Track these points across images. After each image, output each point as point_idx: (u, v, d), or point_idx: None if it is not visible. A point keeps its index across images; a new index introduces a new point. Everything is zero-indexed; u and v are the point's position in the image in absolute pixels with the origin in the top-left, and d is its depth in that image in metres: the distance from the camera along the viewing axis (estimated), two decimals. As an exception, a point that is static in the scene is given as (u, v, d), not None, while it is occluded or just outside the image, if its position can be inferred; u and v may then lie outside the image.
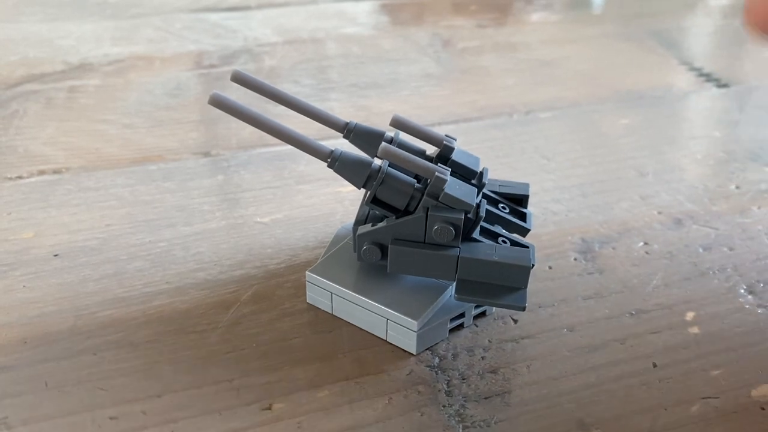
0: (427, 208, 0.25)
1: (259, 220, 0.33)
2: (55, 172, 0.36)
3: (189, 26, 0.54)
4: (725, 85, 0.47)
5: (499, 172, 0.36)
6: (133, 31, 0.53)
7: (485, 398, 0.24)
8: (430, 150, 0.29)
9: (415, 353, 0.26)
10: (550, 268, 0.30)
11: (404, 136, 0.28)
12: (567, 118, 0.43)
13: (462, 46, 0.52)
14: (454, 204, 0.25)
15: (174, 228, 0.32)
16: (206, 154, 0.38)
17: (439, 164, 0.27)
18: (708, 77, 0.48)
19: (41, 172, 0.36)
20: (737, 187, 0.36)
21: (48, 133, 0.39)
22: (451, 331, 0.27)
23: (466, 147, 0.29)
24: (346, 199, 0.34)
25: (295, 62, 0.49)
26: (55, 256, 0.30)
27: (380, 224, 0.26)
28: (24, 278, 0.29)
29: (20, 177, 0.36)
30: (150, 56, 0.49)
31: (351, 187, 0.34)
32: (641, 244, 0.32)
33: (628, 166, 0.38)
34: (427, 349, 0.26)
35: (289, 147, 0.26)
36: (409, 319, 0.25)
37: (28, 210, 0.33)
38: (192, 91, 0.44)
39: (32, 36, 0.51)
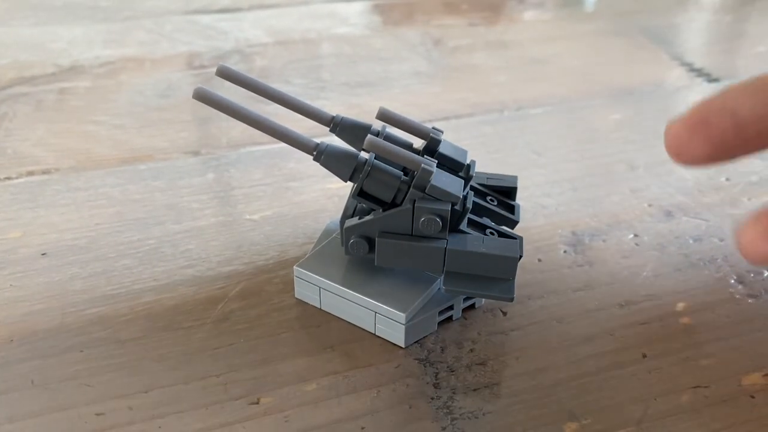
0: (414, 201, 0.25)
1: (248, 217, 0.33)
2: (44, 172, 0.36)
3: (180, 28, 0.54)
4: (716, 80, 0.47)
5: (490, 167, 0.36)
6: (125, 34, 0.53)
7: (474, 390, 0.24)
8: (418, 143, 0.29)
9: (403, 346, 0.26)
10: (539, 260, 0.30)
11: (391, 130, 0.28)
12: (558, 113, 0.43)
13: (453, 45, 0.52)
14: (440, 196, 0.25)
15: (163, 226, 0.32)
16: (196, 153, 0.38)
17: (425, 156, 0.27)
18: (699, 72, 0.48)
19: (30, 173, 0.36)
20: (727, 179, 0.36)
21: (37, 134, 0.39)
22: (440, 323, 0.27)
23: (458, 143, 0.29)
24: (336, 196, 0.34)
25: (286, 62, 0.49)
26: (43, 255, 0.30)
27: (367, 217, 0.26)
28: (11, 277, 0.29)
29: (8, 178, 0.35)
30: (141, 58, 0.49)
31: (340, 184, 0.34)
32: (631, 236, 0.32)
33: (619, 160, 0.38)
34: (416, 342, 0.26)
35: (279, 145, 0.26)
36: (398, 312, 0.25)
37: (16, 210, 0.33)
38: (183, 92, 0.44)
39: (23, 39, 0.51)
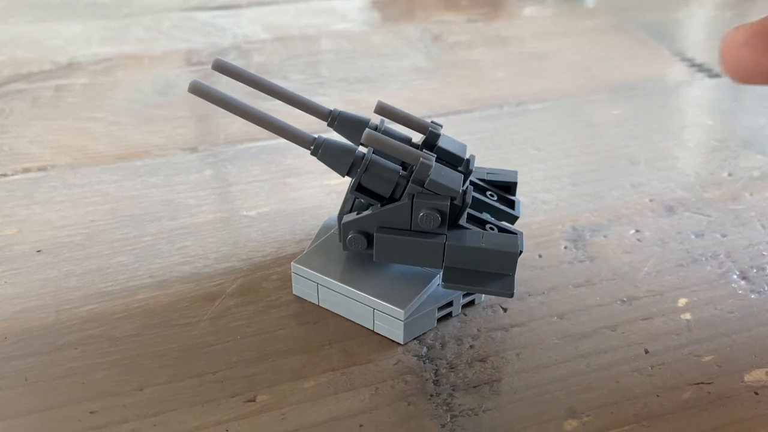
0: (413, 195, 0.25)
1: (245, 213, 0.33)
2: (40, 169, 0.36)
3: (178, 25, 0.53)
4: (717, 75, 0.47)
5: (489, 163, 0.36)
6: (123, 31, 0.52)
7: (474, 387, 0.24)
8: (417, 138, 0.28)
9: (402, 343, 0.25)
10: (540, 256, 0.30)
11: (390, 124, 0.28)
12: (558, 109, 0.42)
13: (452, 41, 0.52)
14: (439, 190, 0.24)
15: (159, 222, 0.32)
16: (194, 150, 0.38)
17: (424, 151, 0.26)
18: (700, 67, 0.48)
19: (26, 170, 0.36)
20: (729, 175, 0.36)
21: (34, 131, 0.39)
22: (440, 320, 0.26)
23: (457, 139, 0.28)
24: (334, 192, 0.34)
25: (284, 58, 0.48)
26: (38, 252, 0.30)
27: (365, 212, 0.25)
28: (6, 274, 0.29)
29: (4, 175, 0.35)
30: (139, 55, 0.48)
31: (339, 180, 0.34)
32: (632, 231, 0.32)
33: (620, 156, 0.37)
34: (415, 338, 0.26)
35: (277, 141, 0.26)
36: (396, 308, 0.25)
37: (11, 207, 0.33)
38: (180, 89, 0.44)
39: (21, 37, 0.51)
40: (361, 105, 0.42)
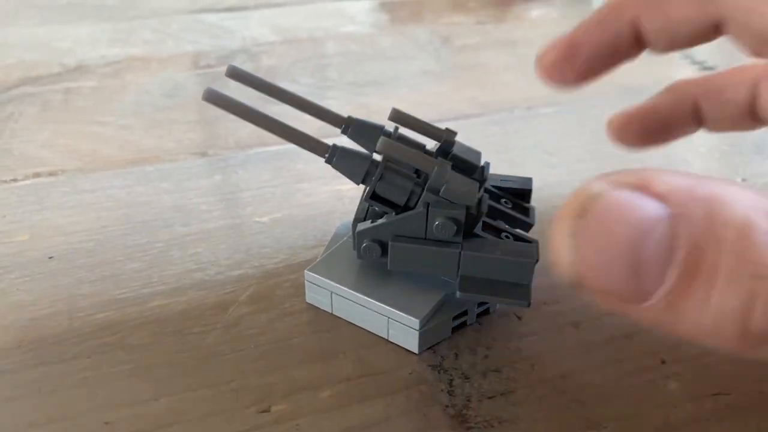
0: (428, 204, 0.24)
1: (257, 219, 0.32)
2: (51, 174, 0.36)
3: (186, 27, 0.53)
4: (729, 78, 0.46)
5: (500, 168, 0.36)
6: (130, 33, 0.52)
7: (489, 398, 0.24)
8: (431, 145, 0.28)
9: (417, 352, 0.25)
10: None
11: (404, 131, 0.28)
12: (569, 113, 0.42)
13: (461, 43, 0.51)
14: (455, 199, 0.24)
15: (171, 228, 0.32)
16: (204, 155, 0.37)
17: (439, 158, 0.26)
18: (710, 70, 0.47)
19: (36, 175, 0.35)
20: (743, 180, 0.36)
21: (44, 135, 0.39)
22: (454, 329, 0.26)
23: (467, 143, 0.28)
24: (346, 197, 0.34)
25: (293, 61, 0.48)
26: (50, 258, 0.30)
27: (380, 221, 0.25)
28: (18, 281, 0.28)
29: (15, 180, 0.35)
30: (147, 57, 0.48)
31: (351, 185, 0.34)
32: (647, 238, 0.31)
33: (632, 160, 0.37)
34: (430, 348, 0.26)
35: (288, 146, 0.25)
36: (411, 318, 0.25)
37: (22, 213, 0.33)
38: (189, 92, 0.44)
39: (28, 39, 0.51)
40: (369, 108, 0.42)
